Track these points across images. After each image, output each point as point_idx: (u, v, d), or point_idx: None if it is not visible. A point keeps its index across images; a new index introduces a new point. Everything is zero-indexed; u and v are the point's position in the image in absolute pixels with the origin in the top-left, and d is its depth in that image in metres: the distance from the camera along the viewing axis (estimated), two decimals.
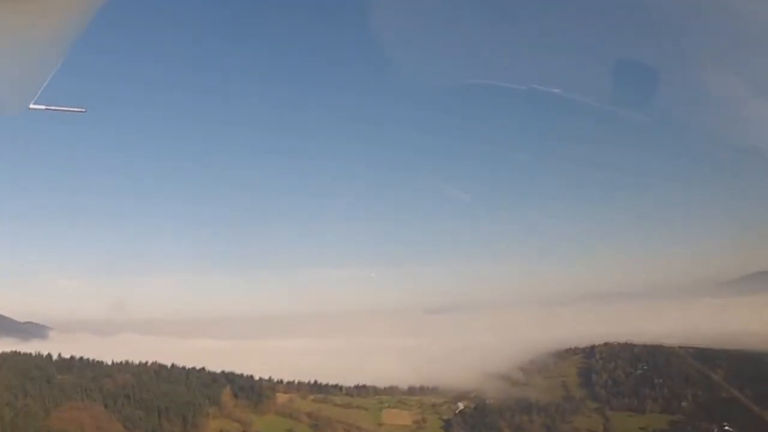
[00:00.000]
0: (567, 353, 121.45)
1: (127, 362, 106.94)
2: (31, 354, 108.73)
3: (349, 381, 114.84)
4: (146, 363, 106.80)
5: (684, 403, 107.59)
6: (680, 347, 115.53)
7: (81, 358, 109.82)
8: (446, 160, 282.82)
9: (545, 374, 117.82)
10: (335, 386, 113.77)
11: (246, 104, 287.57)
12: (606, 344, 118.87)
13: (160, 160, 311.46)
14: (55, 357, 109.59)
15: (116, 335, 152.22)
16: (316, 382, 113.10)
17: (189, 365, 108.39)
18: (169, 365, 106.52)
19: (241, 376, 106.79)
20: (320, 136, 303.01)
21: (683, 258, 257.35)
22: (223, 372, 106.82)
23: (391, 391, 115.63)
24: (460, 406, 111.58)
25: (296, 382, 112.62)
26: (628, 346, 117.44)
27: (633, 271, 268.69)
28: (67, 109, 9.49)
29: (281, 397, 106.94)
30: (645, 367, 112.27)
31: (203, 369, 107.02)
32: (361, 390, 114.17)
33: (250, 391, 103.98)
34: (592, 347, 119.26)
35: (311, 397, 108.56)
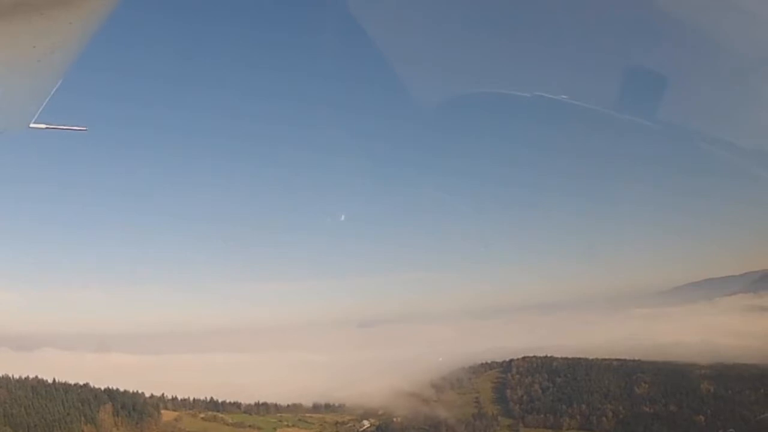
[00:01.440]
0: (483, 368, 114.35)
1: (6, 376, 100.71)
2: None
3: (251, 398, 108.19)
4: (26, 378, 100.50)
5: (604, 419, 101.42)
6: (602, 360, 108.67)
7: None
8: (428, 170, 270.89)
9: (458, 390, 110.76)
10: (234, 404, 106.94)
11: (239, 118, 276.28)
12: (524, 358, 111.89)
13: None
14: None
15: (36, 350, 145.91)
16: (212, 399, 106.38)
17: (82, 381, 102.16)
18: (51, 380, 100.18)
19: (126, 392, 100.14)
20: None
21: (614, 268, 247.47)
22: (107, 388, 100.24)
23: (294, 408, 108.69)
24: (366, 424, 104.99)
25: (191, 399, 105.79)
26: (547, 360, 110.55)
27: (559, 283, 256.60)
28: (67, 127, 9.41)
29: (168, 415, 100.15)
30: (561, 381, 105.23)
31: (86, 385, 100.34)
32: (261, 408, 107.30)
33: (132, 408, 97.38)
34: (510, 361, 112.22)
35: (201, 415, 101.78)
